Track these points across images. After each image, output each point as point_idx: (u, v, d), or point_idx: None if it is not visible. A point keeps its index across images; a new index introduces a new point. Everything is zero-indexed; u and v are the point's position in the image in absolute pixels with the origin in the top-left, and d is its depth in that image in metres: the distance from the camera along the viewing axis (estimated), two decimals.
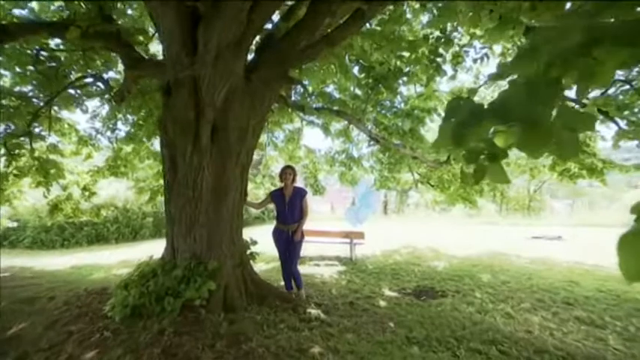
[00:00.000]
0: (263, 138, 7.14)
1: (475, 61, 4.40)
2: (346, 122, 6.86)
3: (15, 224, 10.20)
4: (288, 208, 4.15)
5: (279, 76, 3.66)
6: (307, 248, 7.25)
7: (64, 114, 7.15)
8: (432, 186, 7.72)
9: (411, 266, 6.84)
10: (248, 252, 4.19)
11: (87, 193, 7.63)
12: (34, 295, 4.28)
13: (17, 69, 5.02)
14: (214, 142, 3.54)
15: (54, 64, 5.11)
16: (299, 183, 6.13)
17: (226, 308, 3.50)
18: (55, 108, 6.66)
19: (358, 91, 5.50)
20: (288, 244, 4.19)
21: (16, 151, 5.91)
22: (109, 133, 7.36)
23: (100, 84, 5.69)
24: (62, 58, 4.96)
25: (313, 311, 3.83)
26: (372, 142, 5.95)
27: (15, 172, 6.17)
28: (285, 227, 4.18)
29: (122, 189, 11.55)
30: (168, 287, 3.43)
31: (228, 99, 3.55)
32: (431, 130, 7.25)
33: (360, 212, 9.50)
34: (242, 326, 3.20)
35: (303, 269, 6.20)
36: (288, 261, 4.16)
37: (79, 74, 5.56)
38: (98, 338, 2.89)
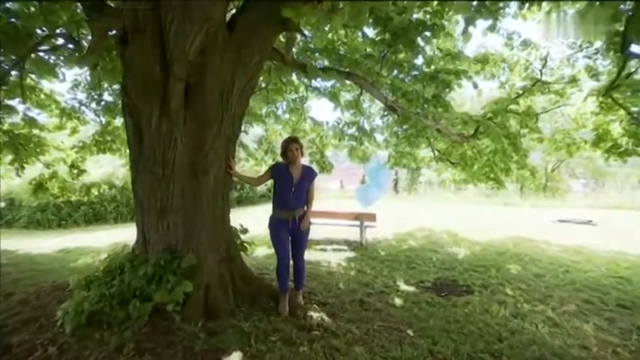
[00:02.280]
0: (263, 108, 6.33)
1: (522, 4, 3.48)
2: (357, 91, 6.00)
3: (2, 204, 9.78)
4: (295, 190, 3.22)
5: (270, 20, 2.82)
6: (314, 231, 6.57)
7: (46, 85, 6.48)
8: (453, 164, 6.88)
9: (427, 253, 6.14)
10: (238, 242, 3.52)
11: (75, 171, 7.04)
12: None
13: None
14: (188, 107, 2.78)
15: (13, 19, 4.35)
16: (303, 160, 5.37)
17: (207, 313, 2.85)
18: (33, 77, 6.00)
19: (371, 50, 4.61)
20: (293, 233, 3.30)
21: None
22: (94, 105, 6.67)
23: (71, 45, 4.91)
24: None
25: (315, 315, 3.16)
26: (387, 112, 5.10)
27: None
28: (289, 214, 3.24)
29: (120, 166, 10.96)
30: (136, 288, 2.79)
31: (206, 51, 2.75)
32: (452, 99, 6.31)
33: (370, 192, 8.74)
34: (224, 339, 2.55)
35: (307, 255, 5.53)
36: (287, 258, 3.27)
37: (46, 33, 4.79)
38: (38, 357, 2.27)
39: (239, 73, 2.93)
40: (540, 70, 5.36)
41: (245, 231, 3.59)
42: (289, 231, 3.23)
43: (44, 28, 4.76)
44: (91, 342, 2.42)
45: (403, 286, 4.33)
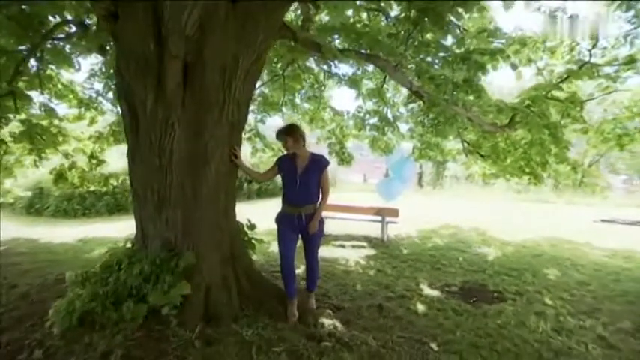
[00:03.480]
0: (279, 97, 6.01)
1: None
2: (380, 79, 5.57)
3: (28, 193, 10.08)
4: (300, 183, 2.84)
5: None
6: (332, 225, 6.26)
7: (66, 75, 6.47)
8: (483, 157, 6.31)
9: (454, 253, 5.68)
10: (245, 239, 3.24)
11: (94, 162, 7.05)
12: None
13: None
14: (187, 89, 2.50)
15: (24, 6, 4.25)
16: (321, 150, 5.01)
17: (208, 317, 2.60)
18: (53, 67, 5.97)
19: (394, 31, 4.17)
20: (301, 231, 2.93)
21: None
22: (110, 95, 6.60)
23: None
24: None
25: (327, 322, 2.85)
26: (412, 98, 4.64)
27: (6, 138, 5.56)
28: (295, 210, 2.87)
29: None
30: (132, 287, 2.56)
31: (205, 25, 2.45)
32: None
33: (393, 186, 8.29)
34: (221, 350, 2.27)
35: (324, 251, 5.22)
36: (290, 257, 2.92)
37: (58, 21, 4.68)
38: None
39: (243, 51, 2.62)
40: (589, 51, 4.72)
41: (252, 227, 3.31)
42: (297, 228, 2.90)
43: (57, 16, 4.66)
44: (79, 346, 2.22)
45: (427, 290, 3.94)
